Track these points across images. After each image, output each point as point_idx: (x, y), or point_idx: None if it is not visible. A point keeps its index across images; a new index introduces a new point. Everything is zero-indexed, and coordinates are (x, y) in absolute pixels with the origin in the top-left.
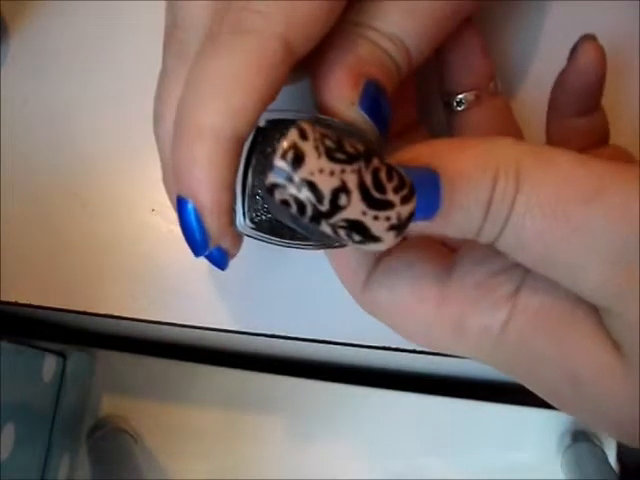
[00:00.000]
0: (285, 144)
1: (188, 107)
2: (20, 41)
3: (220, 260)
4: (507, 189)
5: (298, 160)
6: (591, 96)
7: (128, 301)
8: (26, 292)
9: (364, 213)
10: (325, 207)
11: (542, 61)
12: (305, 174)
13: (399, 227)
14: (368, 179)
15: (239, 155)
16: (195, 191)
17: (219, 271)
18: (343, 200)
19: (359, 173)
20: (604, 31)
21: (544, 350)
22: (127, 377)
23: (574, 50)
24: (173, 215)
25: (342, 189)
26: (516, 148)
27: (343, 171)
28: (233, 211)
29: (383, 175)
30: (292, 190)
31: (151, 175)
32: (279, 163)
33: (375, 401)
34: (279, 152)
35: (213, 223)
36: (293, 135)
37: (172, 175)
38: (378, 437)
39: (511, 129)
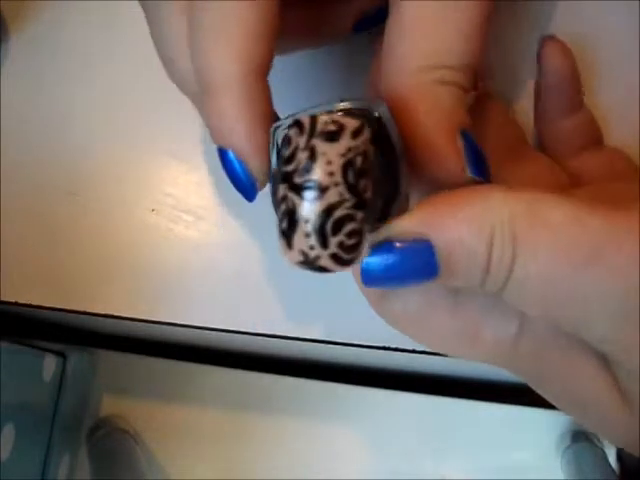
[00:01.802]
0: (338, 115)
1: (198, 64)
2: (20, 41)
3: (249, 189)
4: (504, 254)
5: (334, 134)
6: (568, 94)
7: (128, 301)
8: (26, 292)
9: (307, 221)
10: (300, 178)
11: None
12: (320, 145)
13: (307, 265)
14: (339, 213)
15: (263, 95)
16: (231, 141)
17: (219, 271)
18: (310, 194)
19: (340, 202)
20: (604, 31)
21: (552, 373)
22: (127, 377)
23: (538, 54)
24: (173, 215)
25: (321, 188)
26: (508, 207)
27: (337, 184)
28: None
29: (350, 225)
30: (300, 141)
31: (151, 175)
32: (319, 119)
33: (375, 401)
34: (328, 112)
35: (256, 167)
36: (350, 119)
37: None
38: (378, 437)
39: (508, 130)
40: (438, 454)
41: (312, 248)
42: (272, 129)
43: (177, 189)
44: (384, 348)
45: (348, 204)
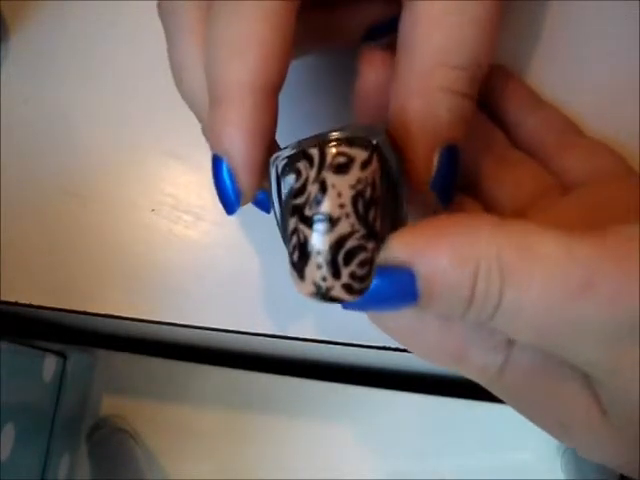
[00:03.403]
0: (347, 147)
1: (213, 74)
2: (20, 41)
3: (264, 203)
4: (490, 287)
5: (343, 166)
6: (518, 97)
7: (128, 301)
8: (26, 292)
9: (319, 253)
10: (311, 210)
11: (542, 60)
12: (330, 178)
13: (319, 295)
14: (351, 243)
15: (270, 113)
16: (228, 149)
17: (219, 271)
18: (322, 226)
19: (351, 233)
20: (604, 31)
21: (536, 401)
22: (127, 377)
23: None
24: (173, 215)
25: (332, 220)
26: (495, 240)
27: (347, 216)
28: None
29: (362, 255)
30: (311, 173)
31: (151, 175)
32: (329, 151)
33: (375, 401)
34: (334, 145)
35: (245, 181)
36: (358, 151)
37: (206, 134)
38: (378, 437)
39: (492, 136)
40: (438, 454)
41: (324, 279)
42: (272, 159)
43: (177, 189)
44: (384, 348)
45: (359, 234)
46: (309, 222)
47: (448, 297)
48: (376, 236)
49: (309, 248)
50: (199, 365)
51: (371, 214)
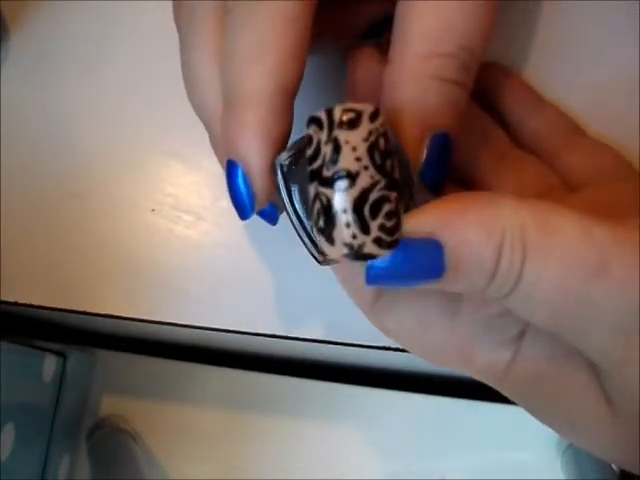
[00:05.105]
0: (356, 104)
1: (230, 78)
2: (20, 41)
3: (271, 215)
4: (513, 261)
5: (353, 121)
6: (522, 97)
7: (128, 301)
8: (26, 292)
9: (344, 211)
10: (329, 171)
11: (542, 60)
12: (342, 135)
13: (352, 255)
14: (374, 196)
15: (287, 118)
16: (243, 154)
17: (218, 271)
18: (343, 183)
19: (373, 185)
20: (603, 31)
21: (543, 396)
22: (127, 377)
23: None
24: (173, 215)
25: (351, 175)
26: (519, 214)
27: (366, 168)
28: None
29: (387, 206)
30: (322, 136)
31: (151, 175)
32: (336, 110)
33: (375, 401)
34: (343, 105)
35: (260, 186)
36: (364, 105)
37: (220, 140)
38: (378, 437)
39: (495, 134)
40: (438, 454)
41: (355, 237)
42: (275, 161)
43: (177, 189)
44: (384, 348)
45: (381, 185)
46: (329, 182)
47: (473, 270)
48: (397, 186)
49: (334, 209)
50: (199, 365)
51: (388, 164)
